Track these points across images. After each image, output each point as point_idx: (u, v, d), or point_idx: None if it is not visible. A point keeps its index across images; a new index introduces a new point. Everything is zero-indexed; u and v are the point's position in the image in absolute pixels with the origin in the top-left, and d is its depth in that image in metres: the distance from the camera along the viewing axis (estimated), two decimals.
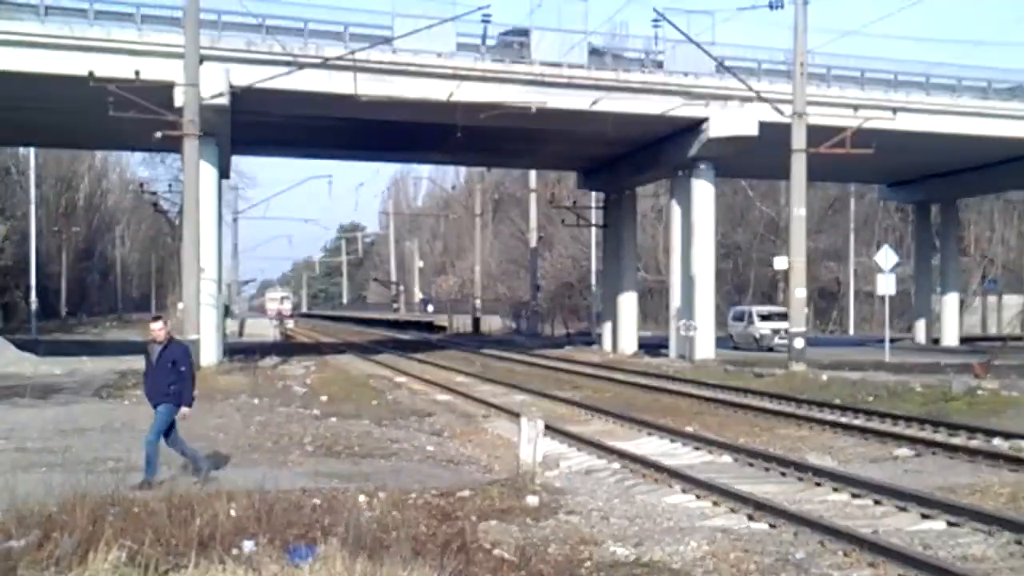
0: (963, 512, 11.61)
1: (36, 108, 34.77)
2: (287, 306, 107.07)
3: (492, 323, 76.69)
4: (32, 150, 64.14)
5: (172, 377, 12.54)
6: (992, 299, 69.62)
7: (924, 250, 56.37)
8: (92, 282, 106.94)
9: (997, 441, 17.30)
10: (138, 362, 32.70)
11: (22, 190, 68.08)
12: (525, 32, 35.29)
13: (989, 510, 11.70)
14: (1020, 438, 17.23)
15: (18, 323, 62.54)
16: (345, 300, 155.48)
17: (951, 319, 53.27)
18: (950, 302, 53.48)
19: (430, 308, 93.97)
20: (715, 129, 36.88)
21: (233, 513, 9.93)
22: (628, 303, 47.38)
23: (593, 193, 55.00)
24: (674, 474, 14.18)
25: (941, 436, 18.23)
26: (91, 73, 28.39)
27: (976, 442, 17.37)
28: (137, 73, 28.70)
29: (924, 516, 11.83)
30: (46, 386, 26.32)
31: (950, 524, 11.42)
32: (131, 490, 10.93)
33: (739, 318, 51.46)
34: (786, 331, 40.65)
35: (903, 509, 12.18)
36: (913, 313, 56.61)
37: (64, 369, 31.54)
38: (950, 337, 52.32)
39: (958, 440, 17.67)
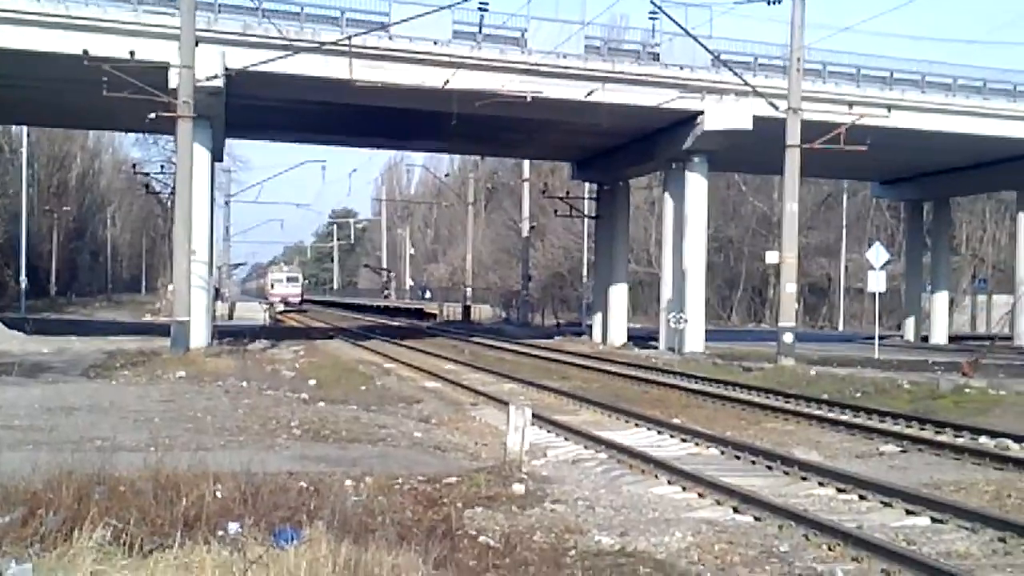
0: (947, 509, 11.66)
1: (29, 86, 34.66)
2: (295, 290, 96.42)
3: (482, 312, 76.72)
4: (24, 129, 64.01)
5: None
6: (982, 298, 69.89)
7: (915, 248, 56.55)
8: (82, 262, 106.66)
9: (983, 439, 17.35)
10: (127, 342, 32.87)
11: (14, 168, 67.95)
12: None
13: (973, 507, 11.76)
14: (1006, 437, 17.30)
15: (7, 301, 62.37)
16: (336, 286, 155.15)
17: (940, 317, 53.47)
18: (940, 300, 53.64)
19: (427, 295, 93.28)
20: (710, 122, 36.92)
21: (219, 495, 9.94)
22: (619, 295, 47.42)
23: (587, 184, 55.11)
24: (661, 465, 14.21)
25: (928, 433, 18.28)
26: (85, 52, 28.20)
27: (962, 440, 17.41)
28: (132, 53, 28.64)
29: (909, 512, 11.88)
30: (34, 365, 26.27)
31: (934, 520, 11.47)
32: None
33: None
34: None
35: (888, 505, 12.23)
36: (903, 311, 56.75)
37: (52, 348, 31.49)
38: (939, 335, 52.51)
39: (944, 437, 17.72)
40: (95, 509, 8.73)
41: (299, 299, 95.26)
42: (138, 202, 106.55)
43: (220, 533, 8.62)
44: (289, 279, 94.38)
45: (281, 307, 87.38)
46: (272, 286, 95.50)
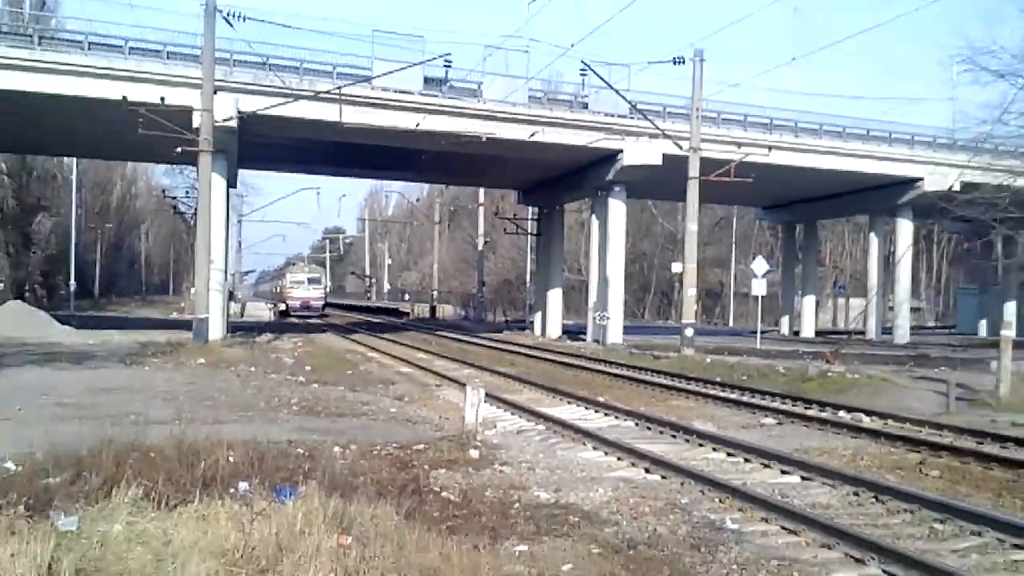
0: (814, 469, 11.81)
1: (79, 125, 34.24)
2: (317, 293, 70.02)
3: (446, 311, 76.43)
4: (75, 160, 63.12)
5: None
6: (841, 301, 70.62)
7: (789, 261, 56.99)
8: (121, 269, 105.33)
9: (842, 413, 17.57)
10: (157, 335, 32.52)
11: (66, 192, 66.87)
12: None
13: (834, 468, 11.92)
14: (860, 411, 17.53)
15: (59, 302, 61.56)
16: (328, 290, 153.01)
17: (809, 316, 53.94)
18: (808, 303, 54.13)
19: (407, 297, 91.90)
20: (628, 159, 37.03)
21: (231, 459, 9.88)
22: (555, 297, 47.51)
23: (530, 208, 55.04)
24: (588, 435, 14.26)
25: (798, 409, 18.48)
26: (125, 98, 28.16)
27: (826, 414, 17.62)
28: (162, 99, 28.46)
29: (783, 472, 12.01)
30: (80, 353, 25.97)
31: (803, 478, 11.61)
32: None
33: None
34: None
35: (767, 466, 12.36)
36: (780, 310, 57.18)
37: (96, 340, 31.09)
38: (808, 330, 52.96)
39: (812, 412, 17.93)
40: (130, 471, 8.65)
41: (322, 303, 70.17)
42: (167, 221, 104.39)
43: (232, 491, 8.58)
44: (311, 280, 69.30)
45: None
46: (288, 289, 70.79)
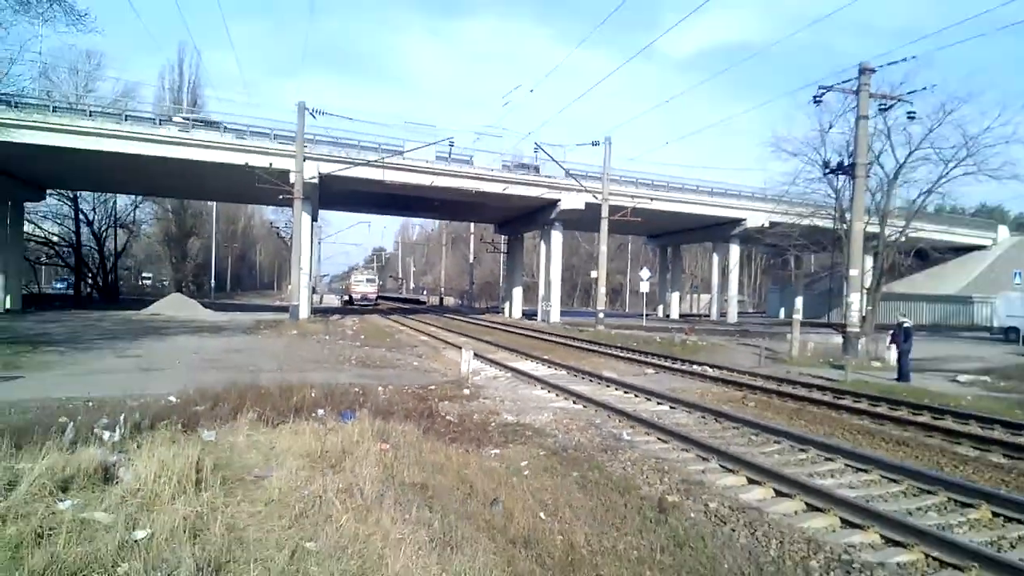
0: (678, 402, 11.91)
1: (216, 180, 33.77)
2: (372, 288, 67.57)
3: (449, 301, 76.14)
4: (214, 204, 62.42)
5: None
6: (695, 295, 71.15)
7: (664, 270, 57.22)
8: (244, 273, 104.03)
9: (695, 366, 17.70)
10: (267, 315, 32.17)
11: (208, 223, 66.04)
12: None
13: (690, 400, 12.02)
14: (707, 365, 17.68)
15: (204, 294, 60.90)
16: (379, 287, 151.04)
17: (675, 305, 54.24)
18: (675, 297, 54.45)
19: (425, 292, 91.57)
20: (564, 205, 37.01)
21: (313, 395, 9.84)
22: (518, 293, 47.45)
23: (503, 236, 55.00)
24: (538, 379, 14.29)
25: (668, 363, 18.60)
26: (246, 164, 27.89)
27: (685, 367, 17.74)
28: (270, 164, 28.21)
29: (659, 403, 12.10)
30: (217, 327, 25.68)
31: (671, 407, 11.71)
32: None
33: None
34: None
35: (649, 399, 12.44)
36: (657, 301, 57.49)
37: (227, 318, 30.74)
38: (675, 314, 53.24)
39: (677, 365, 18.03)
40: (248, 402, 8.62)
41: (375, 296, 67.67)
42: (273, 242, 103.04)
43: (314, 414, 8.54)
44: (368, 280, 67.35)
45: (362, 302, 64.85)
46: (353, 286, 68.22)
